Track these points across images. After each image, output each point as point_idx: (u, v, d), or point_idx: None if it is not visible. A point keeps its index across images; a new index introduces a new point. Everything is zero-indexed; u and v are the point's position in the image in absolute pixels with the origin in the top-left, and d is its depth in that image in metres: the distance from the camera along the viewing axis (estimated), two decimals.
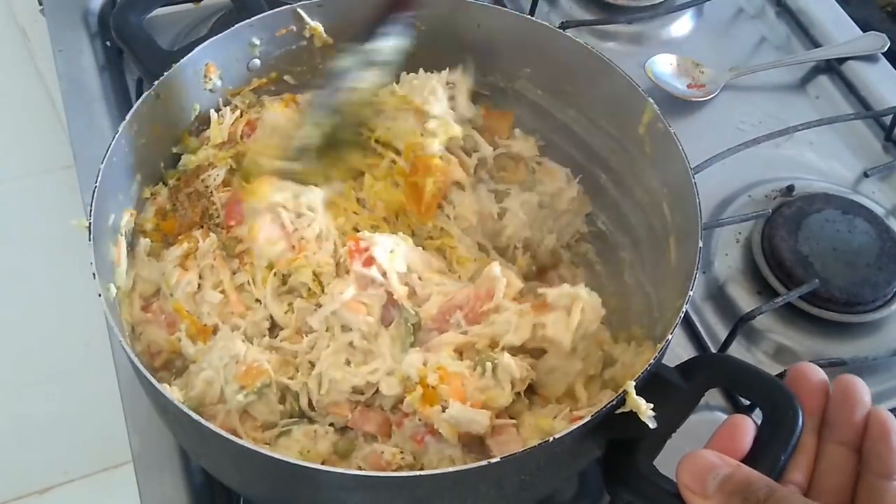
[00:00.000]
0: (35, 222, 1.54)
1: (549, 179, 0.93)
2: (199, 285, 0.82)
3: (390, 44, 0.82)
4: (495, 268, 0.79)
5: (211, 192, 0.87)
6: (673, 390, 0.65)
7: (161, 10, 1.14)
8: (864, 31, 1.26)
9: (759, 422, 0.61)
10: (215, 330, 0.80)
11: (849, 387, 0.62)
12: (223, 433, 0.61)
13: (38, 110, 1.43)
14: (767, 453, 0.60)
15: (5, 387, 1.79)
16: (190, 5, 1.17)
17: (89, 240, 0.71)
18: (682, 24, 1.28)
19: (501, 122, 0.96)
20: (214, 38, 0.85)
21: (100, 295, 0.69)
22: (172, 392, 0.69)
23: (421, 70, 0.92)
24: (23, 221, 1.57)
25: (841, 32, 1.27)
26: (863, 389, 0.62)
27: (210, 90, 0.88)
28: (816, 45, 1.26)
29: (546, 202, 0.91)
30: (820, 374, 0.64)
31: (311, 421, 0.78)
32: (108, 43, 1.16)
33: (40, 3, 1.21)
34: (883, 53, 1.23)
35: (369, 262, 0.79)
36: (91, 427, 1.69)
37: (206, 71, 0.87)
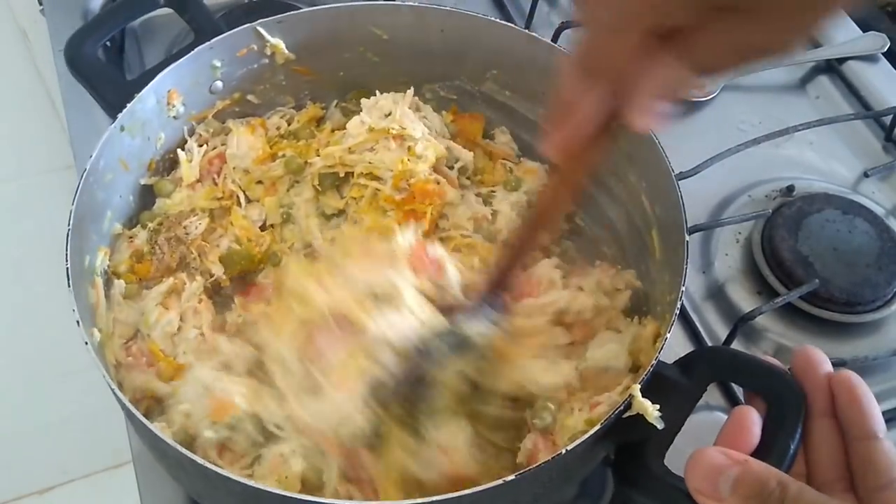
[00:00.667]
0: (35, 222, 1.54)
1: (531, 177, 0.92)
2: (179, 327, 0.80)
3: (483, 327, 0.72)
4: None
5: (191, 240, 0.86)
6: (676, 387, 0.65)
7: (159, 11, 1.14)
8: (864, 31, 1.26)
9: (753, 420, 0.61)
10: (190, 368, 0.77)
11: (808, 358, 0.63)
12: (230, 475, 0.60)
13: (38, 110, 1.43)
14: (776, 443, 0.60)
15: (5, 387, 1.79)
16: None
17: (69, 285, 0.69)
18: None
19: (473, 124, 0.96)
20: (175, 63, 0.84)
21: (86, 343, 0.67)
22: (164, 432, 0.67)
23: (378, 92, 0.91)
24: (23, 221, 1.57)
25: (841, 32, 1.27)
26: (819, 357, 0.63)
27: (174, 117, 0.87)
28: (816, 45, 1.26)
29: (534, 201, 0.91)
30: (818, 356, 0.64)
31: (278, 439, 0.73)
32: (107, 43, 1.16)
33: (40, 3, 1.21)
34: (883, 53, 1.23)
35: (440, 273, 0.74)
36: (91, 427, 1.69)
37: (169, 98, 0.85)
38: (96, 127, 1.06)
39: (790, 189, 1.07)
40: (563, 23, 1.19)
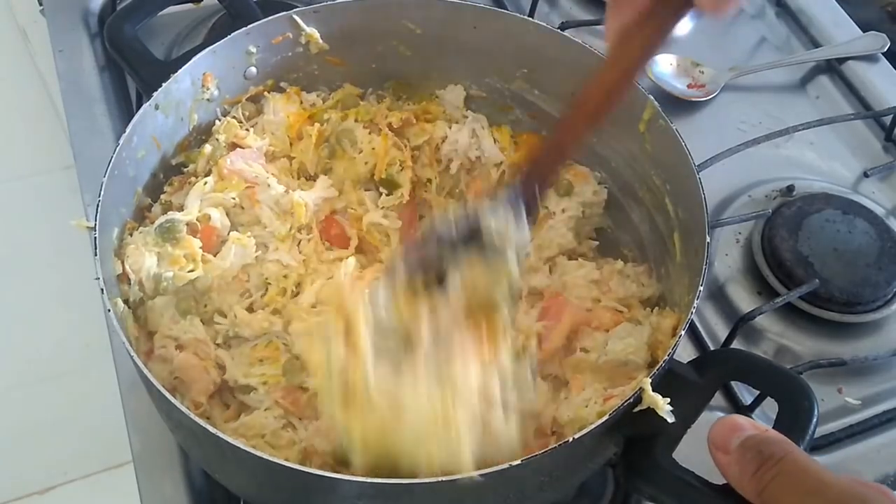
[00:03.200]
0: (35, 222, 1.54)
1: (581, 181, 0.92)
2: None
3: (501, 225, 0.68)
4: None
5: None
6: (687, 384, 0.66)
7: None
8: (864, 31, 1.26)
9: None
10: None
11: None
12: (241, 446, 0.61)
13: (38, 110, 1.43)
14: None
15: (5, 387, 1.79)
16: (189, 6, 1.17)
17: (95, 255, 0.70)
18: (682, 24, 1.27)
19: (533, 142, 0.97)
20: (211, 47, 0.85)
21: (109, 311, 0.69)
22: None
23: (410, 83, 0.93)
24: (23, 221, 1.57)
25: (841, 32, 1.27)
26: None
27: (208, 100, 0.88)
28: (816, 45, 1.26)
29: (588, 213, 0.91)
30: None
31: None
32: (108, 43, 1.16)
33: (40, 3, 1.21)
34: (883, 53, 1.23)
35: None
36: (91, 427, 1.69)
37: (204, 80, 0.86)
38: (96, 127, 1.06)
39: (790, 189, 1.07)
40: (563, 23, 1.20)
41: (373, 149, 0.91)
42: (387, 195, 0.91)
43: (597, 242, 0.93)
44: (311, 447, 0.75)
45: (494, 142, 0.94)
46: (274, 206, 0.85)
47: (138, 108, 0.80)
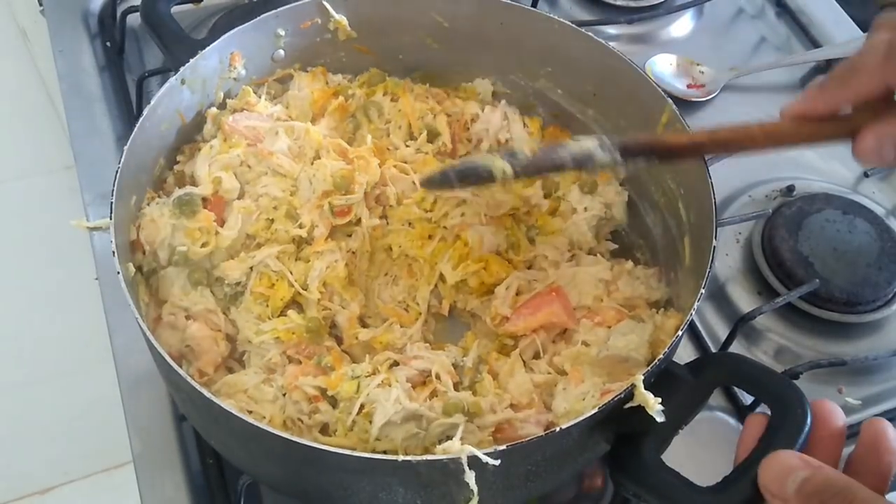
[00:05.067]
0: (35, 222, 1.54)
1: (604, 181, 0.92)
2: None
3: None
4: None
5: None
6: (681, 385, 0.66)
7: None
8: (864, 31, 1.26)
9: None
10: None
11: (879, 432, 0.59)
12: (234, 412, 0.62)
13: (38, 110, 1.43)
14: (773, 450, 0.59)
15: (5, 387, 1.79)
16: (189, 6, 1.17)
17: (110, 217, 0.72)
18: (682, 24, 1.28)
19: (561, 136, 0.97)
20: (240, 27, 0.86)
21: (118, 273, 0.70)
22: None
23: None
24: (23, 221, 1.57)
25: (841, 32, 1.27)
26: (892, 435, 0.59)
27: (234, 79, 0.89)
28: (816, 45, 1.26)
29: (609, 213, 0.91)
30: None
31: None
32: (108, 43, 1.16)
33: (40, 4, 1.21)
34: None
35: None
36: (91, 427, 1.69)
37: (232, 60, 0.87)
38: (96, 127, 1.07)
39: (790, 189, 1.07)
40: None
41: (399, 111, 0.92)
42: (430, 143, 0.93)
43: (615, 246, 0.93)
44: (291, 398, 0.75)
45: (524, 126, 0.95)
46: (286, 151, 0.86)
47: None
